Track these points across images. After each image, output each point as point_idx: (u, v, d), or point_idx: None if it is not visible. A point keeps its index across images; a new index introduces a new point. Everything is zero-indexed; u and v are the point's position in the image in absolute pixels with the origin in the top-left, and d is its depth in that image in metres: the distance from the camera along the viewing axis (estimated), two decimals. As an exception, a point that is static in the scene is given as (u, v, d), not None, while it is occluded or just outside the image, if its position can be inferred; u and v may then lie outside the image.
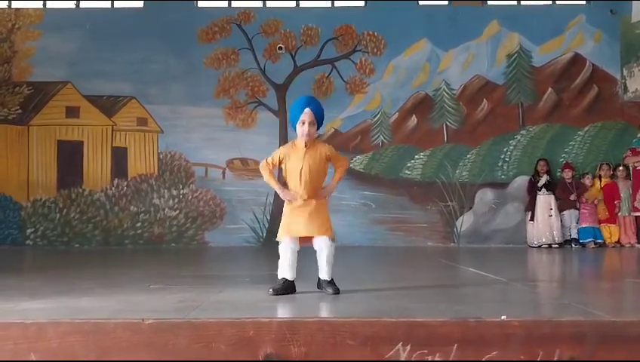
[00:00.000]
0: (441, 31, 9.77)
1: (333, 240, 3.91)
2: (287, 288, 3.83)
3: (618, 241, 9.07)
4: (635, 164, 8.97)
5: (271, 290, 3.77)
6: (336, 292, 3.80)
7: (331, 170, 4.07)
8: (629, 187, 9.08)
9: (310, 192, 3.87)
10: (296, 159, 3.90)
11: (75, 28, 9.69)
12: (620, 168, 9.21)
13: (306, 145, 3.90)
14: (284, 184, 3.99)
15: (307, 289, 3.94)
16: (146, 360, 2.42)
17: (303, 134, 3.88)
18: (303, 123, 3.88)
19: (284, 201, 3.98)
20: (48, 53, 9.62)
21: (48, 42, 9.65)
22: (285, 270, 3.86)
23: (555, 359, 2.48)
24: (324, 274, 3.90)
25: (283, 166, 3.97)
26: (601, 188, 9.16)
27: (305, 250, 3.96)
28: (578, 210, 9.14)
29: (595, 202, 9.08)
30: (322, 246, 3.88)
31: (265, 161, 4.00)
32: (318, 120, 3.93)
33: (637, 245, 8.91)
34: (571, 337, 2.52)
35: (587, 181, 9.20)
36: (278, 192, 3.97)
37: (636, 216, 8.98)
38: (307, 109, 3.88)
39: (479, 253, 8.11)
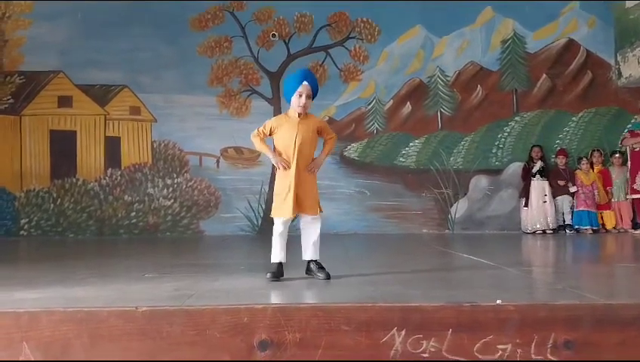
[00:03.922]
0: (435, 17, 9.73)
1: (320, 210, 3.90)
2: (282, 271, 3.85)
3: (614, 227, 9.11)
4: (634, 146, 8.96)
5: (269, 274, 3.77)
6: (327, 277, 3.80)
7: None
8: (626, 173, 9.08)
9: (301, 163, 3.86)
10: (289, 129, 3.90)
11: (66, 16, 9.58)
12: (617, 155, 9.21)
13: (299, 116, 3.91)
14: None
15: (301, 275, 3.94)
16: (140, 347, 2.42)
17: (300, 105, 3.89)
18: (300, 95, 3.88)
19: (274, 182, 3.98)
20: (39, 42, 9.51)
21: (39, 31, 9.53)
22: (278, 252, 3.87)
23: (551, 342, 2.49)
24: (310, 254, 3.89)
25: (275, 136, 3.96)
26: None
27: (296, 237, 3.95)
28: (572, 196, 9.17)
29: (594, 185, 9.11)
30: (309, 223, 3.88)
31: (257, 129, 4.00)
32: (314, 94, 3.96)
33: (630, 230, 8.93)
34: (566, 321, 2.53)
35: (584, 165, 9.21)
36: (270, 158, 3.97)
37: (633, 199, 8.96)
38: (305, 83, 3.90)
39: (474, 240, 8.13)
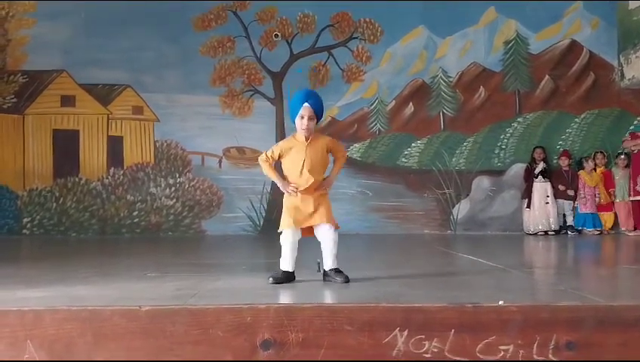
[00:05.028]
0: (438, 18, 9.73)
1: (337, 227, 3.85)
2: (288, 277, 3.81)
3: (611, 228, 9.11)
4: (633, 148, 8.96)
5: (271, 279, 3.75)
6: (346, 280, 3.74)
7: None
8: (629, 174, 9.06)
9: (312, 185, 3.80)
10: (297, 152, 3.84)
11: (69, 16, 9.60)
12: (622, 157, 9.19)
13: (307, 139, 3.86)
14: (283, 177, 3.94)
15: (305, 276, 3.94)
16: (143, 346, 2.43)
17: (302, 128, 3.83)
18: (302, 117, 3.82)
19: (282, 191, 3.94)
20: (43, 41, 9.53)
21: (43, 30, 9.55)
22: (287, 262, 3.82)
23: (553, 343, 2.49)
24: (329, 263, 3.85)
25: (283, 160, 3.90)
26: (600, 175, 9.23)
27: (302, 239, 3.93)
28: (573, 200, 9.17)
29: (597, 188, 9.11)
30: (325, 234, 3.84)
31: (265, 153, 3.93)
32: (318, 114, 3.88)
33: (631, 232, 8.89)
34: (568, 322, 2.53)
35: (587, 166, 9.20)
36: (278, 185, 3.90)
37: (632, 201, 8.93)
38: (306, 104, 3.82)
39: (476, 241, 8.13)
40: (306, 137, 3.86)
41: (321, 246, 3.87)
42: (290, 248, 3.82)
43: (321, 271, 3.86)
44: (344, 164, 4.10)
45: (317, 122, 3.91)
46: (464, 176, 9.63)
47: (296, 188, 3.81)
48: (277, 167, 3.99)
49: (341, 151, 4.03)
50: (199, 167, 9.66)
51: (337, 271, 3.83)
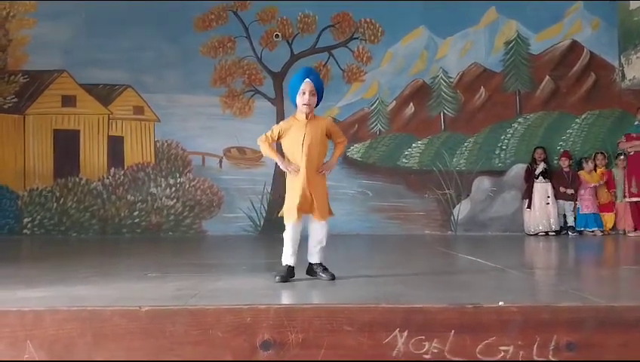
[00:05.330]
0: (438, 18, 9.74)
1: (331, 214, 3.87)
2: (291, 274, 3.82)
3: (611, 228, 9.11)
4: (629, 150, 8.97)
5: (278, 277, 3.74)
6: (332, 278, 3.77)
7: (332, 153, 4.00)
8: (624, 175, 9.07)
9: (310, 165, 3.78)
10: (297, 132, 3.81)
11: (70, 16, 9.61)
12: (621, 157, 9.19)
13: (307, 117, 3.83)
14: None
15: (305, 277, 3.93)
16: (143, 347, 2.43)
17: (303, 103, 3.80)
18: (304, 93, 3.79)
19: (282, 189, 3.92)
20: (43, 41, 9.55)
21: (43, 30, 9.57)
22: (289, 256, 3.83)
23: (553, 344, 2.49)
24: (315, 257, 3.85)
25: (282, 140, 3.88)
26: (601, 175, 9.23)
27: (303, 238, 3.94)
28: (574, 201, 9.16)
29: (597, 186, 9.11)
30: (318, 227, 3.82)
31: (264, 135, 3.91)
32: (319, 92, 3.85)
33: (631, 232, 8.89)
34: (569, 322, 2.53)
35: (589, 165, 9.19)
36: (278, 163, 3.88)
37: (631, 202, 8.93)
38: (307, 80, 3.80)
39: (476, 241, 8.13)
40: (306, 114, 3.82)
41: (311, 236, 3.86)
42: (291, 241, 3.81)
43: (323, 275, 3.85)
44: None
45: (317, 103, 3.87)
46: (465, 176, 9.63)
47: (296, 168, 3.79)
48: (278, 149, 3.97)
49: (341, 136, 4.00)
50: (200, 167, 9.67)
51: (324, 268, 3.83)
